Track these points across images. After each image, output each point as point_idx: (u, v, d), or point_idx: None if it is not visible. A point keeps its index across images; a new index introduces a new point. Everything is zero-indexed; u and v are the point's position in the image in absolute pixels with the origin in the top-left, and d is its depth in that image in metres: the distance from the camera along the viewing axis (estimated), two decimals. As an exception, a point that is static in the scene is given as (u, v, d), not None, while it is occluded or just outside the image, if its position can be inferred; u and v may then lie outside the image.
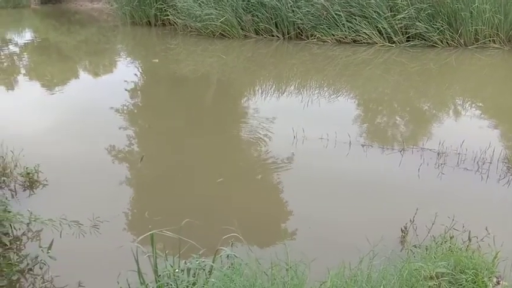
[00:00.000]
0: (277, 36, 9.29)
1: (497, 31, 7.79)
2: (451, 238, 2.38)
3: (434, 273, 1.64)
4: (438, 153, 3.73)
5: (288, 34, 9.21)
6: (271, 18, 9.26)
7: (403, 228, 2.55)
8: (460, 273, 1.71)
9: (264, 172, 3.70)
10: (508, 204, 3.07)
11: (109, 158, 3.98)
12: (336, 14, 8.56)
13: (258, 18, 9.31)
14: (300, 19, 8.90)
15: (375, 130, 4.70)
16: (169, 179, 3.63)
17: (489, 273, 1.69)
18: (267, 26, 9.30)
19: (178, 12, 10.15)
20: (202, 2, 9.63)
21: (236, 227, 2.21)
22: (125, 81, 6.71)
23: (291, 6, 9.00)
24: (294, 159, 3.82)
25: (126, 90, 6.33)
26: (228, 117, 5.27)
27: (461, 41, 7.81)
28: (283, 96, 5.98)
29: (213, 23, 9.39)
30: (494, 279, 1.60)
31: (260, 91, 6.31)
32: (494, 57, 7.41)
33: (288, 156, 3.86)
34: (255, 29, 9.41)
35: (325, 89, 6.39)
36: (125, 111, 5.40)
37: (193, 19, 9.73)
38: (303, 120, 4.76)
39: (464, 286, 1.68)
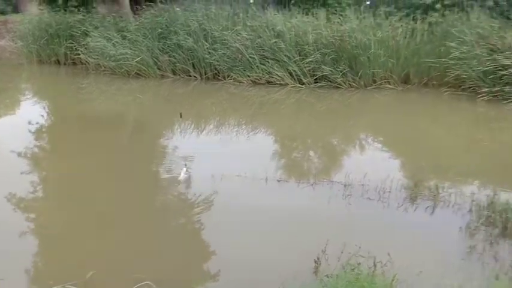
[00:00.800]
0: (195, 77, 9.46)
1: (391, 73, 8.82)
2: (358, 265, 2.55)
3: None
4: (345, 185, 4.03)
5: (205, 75, 9.43)
6: (188, 59, 9.43)
7: (316, 259, 2.67)
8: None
9: (182, 214, 3.65)
10: (405, 228, 3.39)
11: (9, 207, 3.61)
12: (250, 57, 9.02)
13: (175, 58, 9.42)
14: (217, 61, 9.21)
15: (289, 165, 4.93)
16: (77, 226, 3.39)
17: None
18: (184, 66, 9.44)
19: (90, 52, 9.85)
20: (117, 42, 9.51)
21: (149, 274, 2.13)
22: (29, 122, 6.23)
23: (207, 48, 9.29)
24: (212, 199, 3.83)
25: (30, 132, 5.87)
26: (145, 158, 5.14)
27: (361, 82, 8.68)
28: (202, 135, 6.03)
29: (128, 62, 9.27)
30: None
31: (179, 130, 6.30)
32: (390, 97, 8.34)
33: (206, 195, 3.86)
34: (172, 69, 9.49)
35: (243, 127, 6.59)
36: (28, 155, 4.98)
37: (107, 58, 9.52)
38: (221, 158, 4.84)
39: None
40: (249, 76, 9.05)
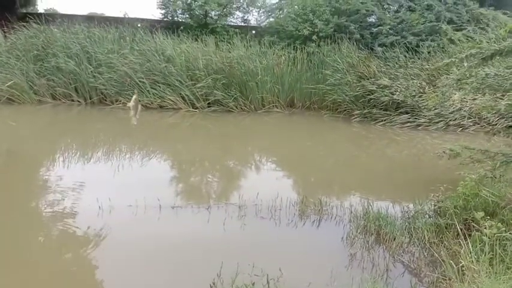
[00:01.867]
0: (78, 101, 8.85)
1: (278, 98, 9.46)
2: (252, 285, 2.62)
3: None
4: (239, 206, 4.13)
5: (90, 99, 8.88)
6: (70, 83, 8.81)
7: (211, 284, 2.67)
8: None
9: (68, 250, 3.32)
10: (295, 243, 3.60)
11: None
12: (140, 80, 8.80)
13: (54, 82, 8.70)
14: (103, 84, 8.77)
15: (184, 191, 4.87)
16: None
17: None
18: (65, 90, 8.78)
19: None
20: (-18, 64, 8.44)
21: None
22: None
23: (91, 71, 8.81)
24: (100, 233, 3.57)
25: None
26: (23, 192, 4.57)
27: (252, 106, 9.12)
28: (89, 164, 5.62)
29: (-3, 87, 8.27)
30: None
31: (62, 159, 5.77)
32: (278, 119, 8.91)
33: (94, 230, 3.59)
34: (51, 93, 8.74)
35: (136, 153, 6.33)
36: None
37: (-31, 82, 8.36)
38: (111, 188, 4.56)
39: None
40: (140, 100, 8.80)
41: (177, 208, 4.11)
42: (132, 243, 3.41)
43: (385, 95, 8.24)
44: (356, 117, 8.63)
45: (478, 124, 6.98)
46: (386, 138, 7.75)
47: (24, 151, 6.22)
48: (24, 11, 12.07)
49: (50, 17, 10.47)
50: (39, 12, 12.41)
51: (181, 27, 10.81)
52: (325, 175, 5.59)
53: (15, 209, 4.08)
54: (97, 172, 5.32)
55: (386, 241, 3.43)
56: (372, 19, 10.78)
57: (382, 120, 8.31)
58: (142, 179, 5.12)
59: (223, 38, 10.37)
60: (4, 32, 9.67)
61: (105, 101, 8.89)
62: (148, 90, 8.83)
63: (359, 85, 8.66)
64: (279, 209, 4.13)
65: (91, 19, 10.62)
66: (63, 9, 19.02)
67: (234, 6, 11.67)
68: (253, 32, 11.42)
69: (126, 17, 11.58)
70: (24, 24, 9.68)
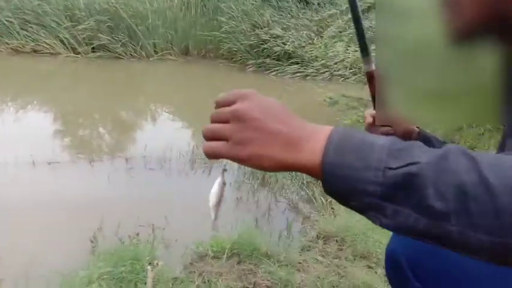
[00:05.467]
0: None
1: (172, 45, 9.01)
2: (137, 235, 2.59)
3: (96, 276, 1.75)
4: (126, 159, 3.97)
5: None
6: None
7: (92, 239, 2.57)
8: (121, 267, 1.90)
9: None
10: (186, 193, 3.62)
11: None
12: (7, 20, 7.57)
13: None
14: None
15: (63, 145, 4.48)
16: None
17: (151, 259, 1.96)
18: None
19: None
20: None
21: None
22: None
23: None
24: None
25: None
26: None
27: (143, 53, 8.56)
28: None
29: None
30: (155, 262, 1.87)
31: None
32: (172, 68, 8.55)
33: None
34: None
35: (7, 106, 5.56)
36: None
37: None
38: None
39: (123, 278, 1.87)
40: (7, 43, 7.62)
41: (54, 164, 3.77)
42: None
43: (278, 45, 8.42)
44: (251, 67, 8.72)
45: (357, 75, 7.60)
46: (279, 89, 8.03)
47: None
48: None
49: None
50: None
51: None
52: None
53: None
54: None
55: (270, 184, 3.65)
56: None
57: (275, 71, 8.54)
58: (13, 134, 4.56)
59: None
60: None
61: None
62: (18, 32, 7.65)
63: (253, 34, 8.69)
64: (169, 159, 4.08)
65: None
66: None
67: None
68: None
69: None
70: None
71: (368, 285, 2.02)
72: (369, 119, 1.15)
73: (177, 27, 8.97)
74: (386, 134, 1.10)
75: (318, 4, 9.62)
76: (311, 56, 8.01)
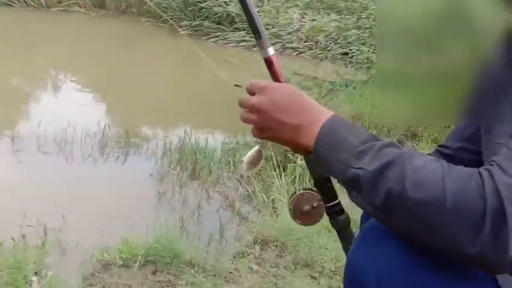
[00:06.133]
0: None
1: (83, -5, 8.59)
2: (23, 237, 2.46)
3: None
4: (13, 139, 3.77)
5: None
6: None
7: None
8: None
9: None
10: (94, 182, 3.50)
11: None
12: None
13: None
14: None
15: None
16: None
17: (38, 268, 1.88)
18: None
19: None
20: None
21: None
22: None
23: None
24: None
25: None
26: None
27: (42, 1, 8.08)
28: None
29: None
30: (43, 272, 1.79)
31: None
32: (81, 23, 8.16)
33: None
34: None
35: None
36: None
37: None
38: None
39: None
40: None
41: None
42: None
43: (219, 5, 8.33)
44: (185, 29, 8.53)
45: (313, 49, 7.74)
46: (219, 59, 7.96)
47: None
48: None
49: None
50: None
51: None
52: (139, 100, 5.48)
53: None
54: None
55: (201, 176, 3.64)
56: None
57: (215, 36, 8.45)
58: None
59: None
60: None
61: None
62: None
63: (188, -13, 8.52)
64: (70, 141, 3.92)
65: None
66: None
67: None
68: None
69: None
70: None
71: (310, 299, 2.09)
72: None
73: (89, -30, 8.57)
74: None
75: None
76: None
